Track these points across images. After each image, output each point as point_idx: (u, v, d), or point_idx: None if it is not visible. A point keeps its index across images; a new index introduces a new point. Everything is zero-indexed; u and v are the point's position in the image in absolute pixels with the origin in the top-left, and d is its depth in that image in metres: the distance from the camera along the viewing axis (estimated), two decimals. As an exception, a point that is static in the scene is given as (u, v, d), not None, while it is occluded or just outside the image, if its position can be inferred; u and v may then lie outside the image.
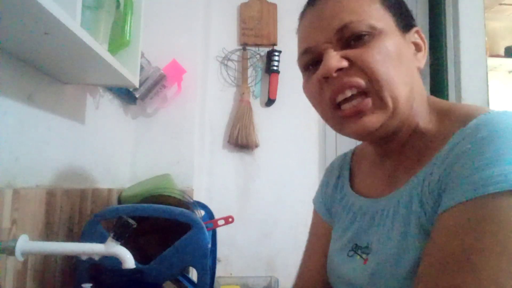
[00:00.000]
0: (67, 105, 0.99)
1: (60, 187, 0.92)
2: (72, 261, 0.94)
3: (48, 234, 0.85)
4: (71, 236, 0.95)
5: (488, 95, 1.96)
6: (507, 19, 2.93)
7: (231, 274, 1.93)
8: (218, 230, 1.21)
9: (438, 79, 2.06)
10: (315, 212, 0.82)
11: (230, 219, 1.08)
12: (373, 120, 0.57)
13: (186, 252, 0.89)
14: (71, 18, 0.63)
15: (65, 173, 0.98)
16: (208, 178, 1.97)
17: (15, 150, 0.77)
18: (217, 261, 1.30)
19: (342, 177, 0.77)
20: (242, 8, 2.05)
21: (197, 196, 1.62)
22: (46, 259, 0.84)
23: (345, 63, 0.56)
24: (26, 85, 0.81)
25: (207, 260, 0.90)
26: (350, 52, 0.56)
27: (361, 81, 0.56)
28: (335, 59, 0.56)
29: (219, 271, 1.87)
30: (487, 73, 1.96)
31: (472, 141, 0.48)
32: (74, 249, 0.68)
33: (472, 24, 1.95)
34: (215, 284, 1.47)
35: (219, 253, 1.74)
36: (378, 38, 0.56)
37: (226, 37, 2.05)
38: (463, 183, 0.46)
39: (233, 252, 1.93)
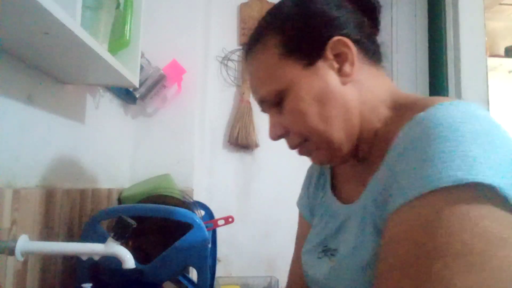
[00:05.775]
0: (67, 105, 0.99)
1: (60, 187, 0.92)
2: (72, 261, 0.94)
3: (48, 234, 0.85)
4: (71, 236, 0.95)
5: (488, 95, 1.96)
6: (507, 19, 2.93)
7: (231, 274, 1.92)
8: (218, 230, 1.21)
9: (438, 79, 2.06)
10: (300, 214, 0.83)
11: (230, 219, 1.08)
12: (321, 155, 0.63)
13: (186, 252, 0.89)
14: (71, 18, 0.63)
15: (65, 173, 0.97)
16: (208, 178, 1.97)
17: (15, 150, 0.77)
18: (217, 261, 1.30)
19: (324, 176, 0.76)
20: (242, 8, 2.05)
21: (197, 196, 1.62)
22: (46, 259, 0.84)
23: (281, 131, 0.64)
24: (26, 85, 0.81)
25: (207, 260, 0.90)
26: (281, 120, 0.64)
27: (298, 140, 0.63)
28: (273, 130, 0.65)
29: (219, 271, 1.87)
30: (487, 73, 1.96)
31: (406, 141, 0.48)
32: (74, 249, 0.68)
33: (472, 24, 1.95)
34: (215, 284, 1.47)
35: (219, 253, 1.74)
36: (289, 96, 0.61)
37: (226, 37, 2.05)
38: (403, 185, 0.46)
39: (233, 252, 1.93)
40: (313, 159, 0.66)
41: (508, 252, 0.40)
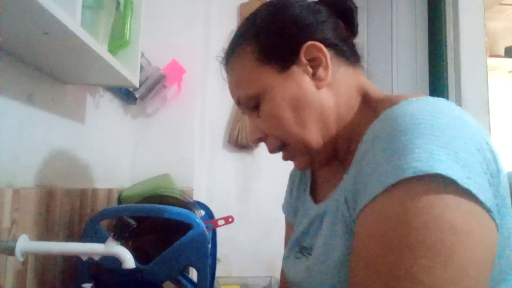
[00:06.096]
0: (67, 105, 0.99)
1: (60, 187, 0.92)
2: (72, 261, 0.94)
3: (48, 234, 0.85)
4: (71, 236, 0.95)
5: (488, 95, 1.96)
6: (507, 19, 2.93)
7: (231, 274, 1.93)
8: (218, 230, 1.21)
9: (438, 79, 2.06)
10: (286, 219, 0.84)
11: (230, 219, 1.08)
12: (301, 161, 0.64)
13: (186, 252, 0.89)
14: (71, 18, 0.63)
15: (65, 173, 0.97)
16: (208, 178, 1.97)
17: (15, 150, 0.77)
18: (217, 261, 1.30)
19: (305, 178, 0.77)
20: (242, 8, 2.05)
21: (197, 196, 1.62)
22: (46, 259, 0.84)
23: (260, 134, 0.65)
24: (26, 85, 0.81)
25: (207, 260, 0.90)
26: (259, 124, 0.64)
27: (276, 144, 0.64)
28: (252, 133, 0.66)
29: (219, 271, 1.87)
30: (487, 73, 1.96)
31: (371, 138, 0.48)
32: (74, 249, 0.68)
33: (472, 24, 1.95)
34: (215, 284, 1.47)
35: (219, 253, 1.74)
36: (265, 101, 0.61)
37: (226, 37, 2.05)
38: (368, 181, 0.46)
39: (233, 252, 1.93)
40: (296, 165, 0.67)
41: (472, 245, 0.40)
